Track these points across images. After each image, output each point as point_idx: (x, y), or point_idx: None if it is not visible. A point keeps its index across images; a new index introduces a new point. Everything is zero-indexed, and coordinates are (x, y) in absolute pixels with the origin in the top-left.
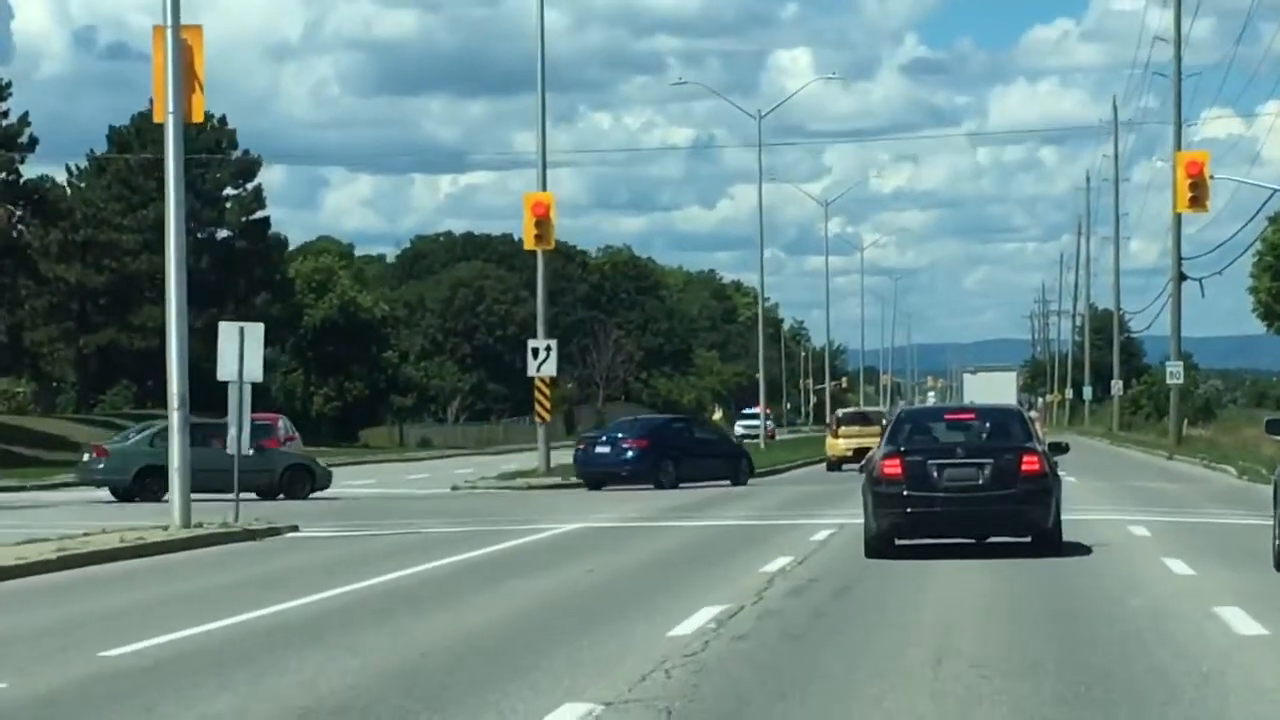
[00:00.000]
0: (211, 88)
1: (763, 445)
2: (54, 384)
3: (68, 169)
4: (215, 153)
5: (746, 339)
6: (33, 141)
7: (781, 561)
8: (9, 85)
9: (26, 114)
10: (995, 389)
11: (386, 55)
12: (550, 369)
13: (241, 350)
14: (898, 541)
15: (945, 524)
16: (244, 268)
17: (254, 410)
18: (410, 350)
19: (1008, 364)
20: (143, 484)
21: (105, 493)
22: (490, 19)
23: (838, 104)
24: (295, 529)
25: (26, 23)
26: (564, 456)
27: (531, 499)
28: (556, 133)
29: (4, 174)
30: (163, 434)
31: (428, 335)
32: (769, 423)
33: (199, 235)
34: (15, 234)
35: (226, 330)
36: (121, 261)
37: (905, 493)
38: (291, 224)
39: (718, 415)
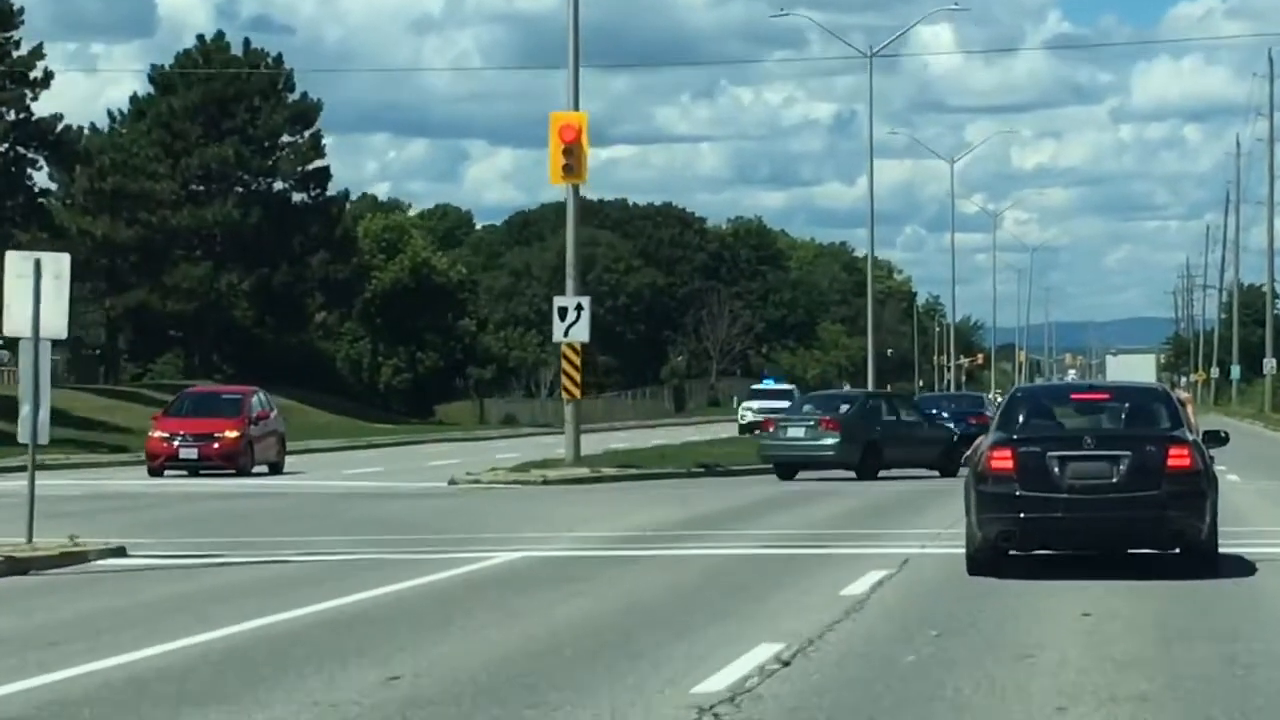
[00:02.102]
0: (355, 59)
1: None
2: (91, 350)
3: (109, 114)
4: (269, 96)
5: (879, 312)
6: (47, 76)
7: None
8: (21, 12)
9: (40, 46)
10: (1136, 374)
11: (527, 29)
12: (582, 333)
13: (38, 292)
14: (1010, 553)
15: (1069, 533)
16: (300, 223)
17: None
18: (490, 318)
19: (1147, 347)
20: None
21: None
22: None
23: (979, 79)
24: (120, 552)
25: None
26: (657, 437)
27: (529, 499)
28: (697, 107)
29: (13, 111)
30: None
31: (532, 304)
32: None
33: (249, 186)
34: (27, 179)
35: (15, 263)
36: (158, 214)
37: (1018, 493)
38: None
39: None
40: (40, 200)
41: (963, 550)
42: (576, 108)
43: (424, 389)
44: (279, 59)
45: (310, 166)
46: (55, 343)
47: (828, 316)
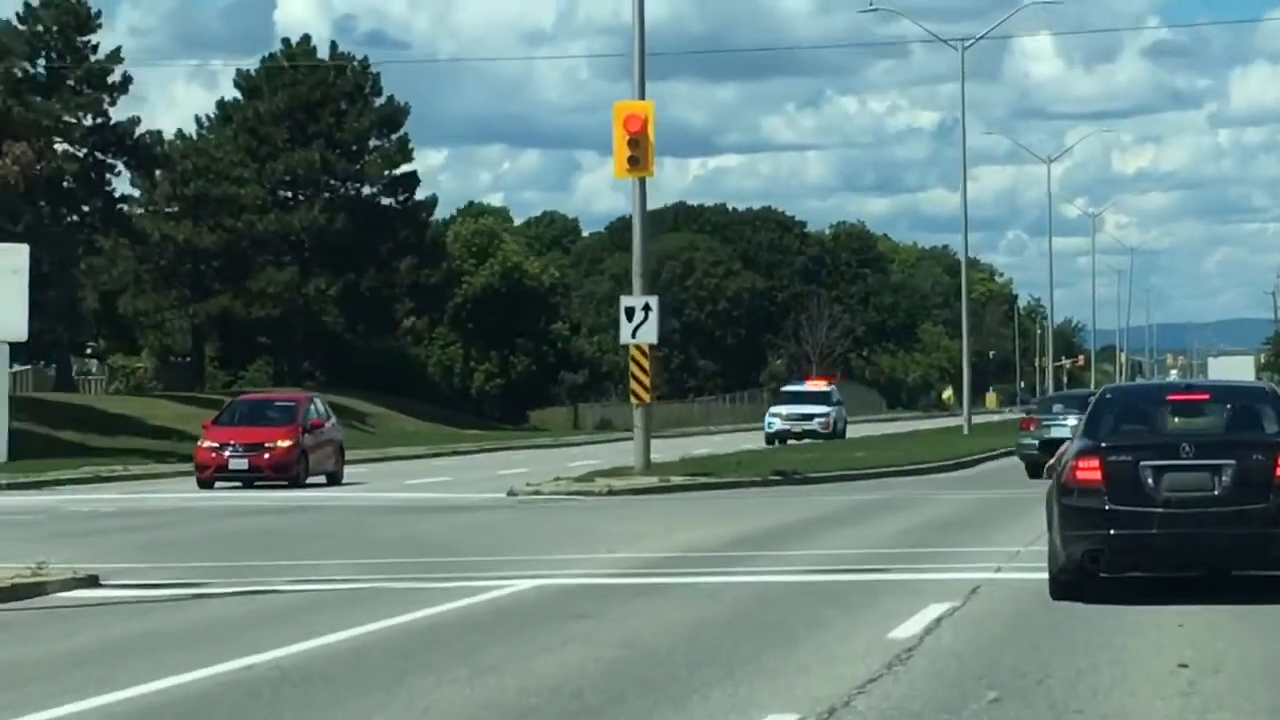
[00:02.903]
0: (469, 73)
1: (965, 429)
2: (180, 358)
3: (196, 119)
4: (356, 100)
5: (980, 315)
6: (125, 81)
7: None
8: (98, 15)
9: (118, 50)
10: (1235, 376)
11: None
12: (650, 335)
13: None
14: (1101, 575)
15: (1164, 552)
16: (388, 228)
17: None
18: (582, 322)
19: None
20: None
21: None
22: (736, 8)
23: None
24: (91, 582)
25: (288, 14)
26: (749, 441)
27: (582, 513)
28: (802, 116)
29: (91, 116)
30: None
31: None
32: (833, 410)
33: (336, 190)
34: (106, 184)
35: None
36: (243, 219)
37: (1107, 507)
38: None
39: (948, 394)
40: (120, 205)
41: (1044, 574)
42: (643, 96)
43: (517, 394)
44: (365, 62)
45: (398, 171)
46: (140, 348)
47: (929, 319)
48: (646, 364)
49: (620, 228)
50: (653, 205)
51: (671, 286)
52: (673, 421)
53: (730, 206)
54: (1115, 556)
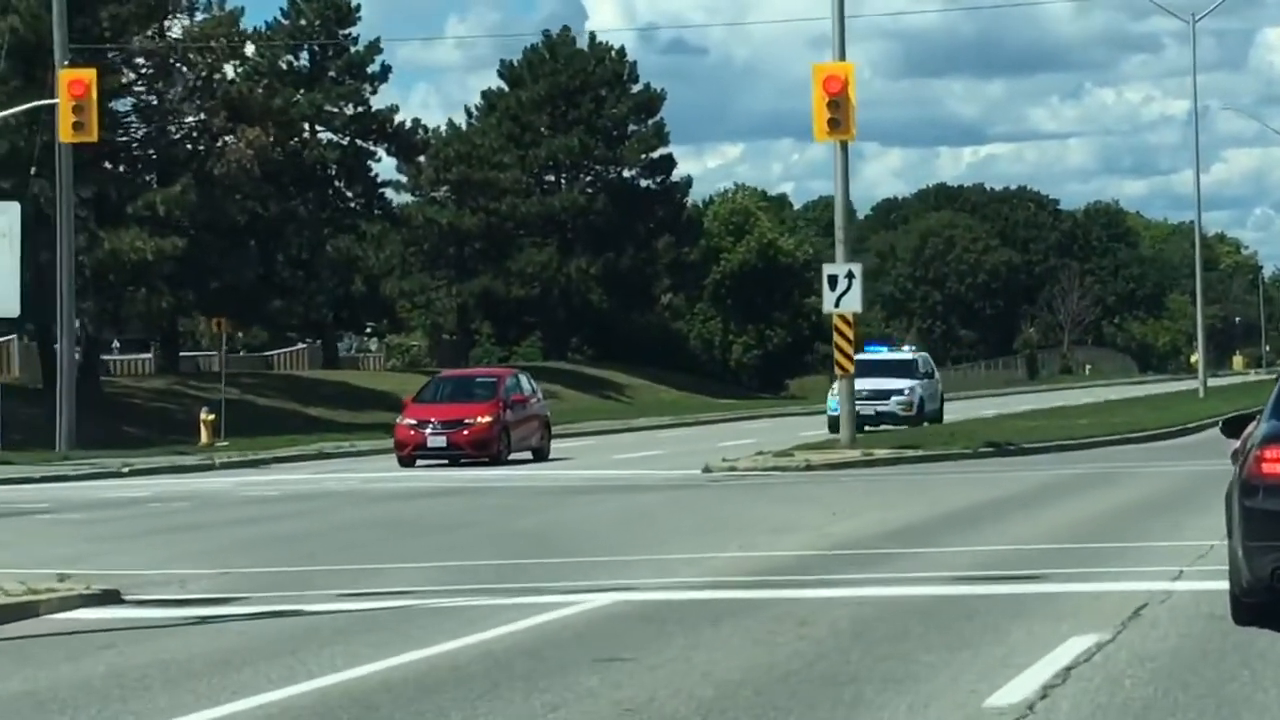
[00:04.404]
0: (760, 74)
1: (1201, 393)
2: (450, 335)
3: (465, 110)
4: (614, 87)
5: (1226, 285)
6: (384, 71)
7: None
8: (358, 8)
9: (377, 40)
10: None
11: (913, 42)
12: (853, 303)
13: None
14: None
15: None
16: (645, 209)
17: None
18: None
19: None
20: None
21: None
22: (1004, 8)
23: None
24: (109, 599)
25: (599, 24)
26: (990, 407)
27: (758, 492)
28: (1064, 107)
29: (352, 105)
30: None
31: (897, 284)
32: (918, 385)
33: (596, 174)
34: (368, 170)
35: None
36: (506, 202)
37: None
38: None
39: (1194, 357)
40: (382, 190)
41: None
42: (843, 58)
43: (774, 364)
44: (621, 51)
45: (655, 154)
46: (405, 328)
47: (1177, 289)
48: (850, 333)
49: (885, 208)
50: (916, 185)
51: (934, 261)
52: None
53: (988, 187)
54: None
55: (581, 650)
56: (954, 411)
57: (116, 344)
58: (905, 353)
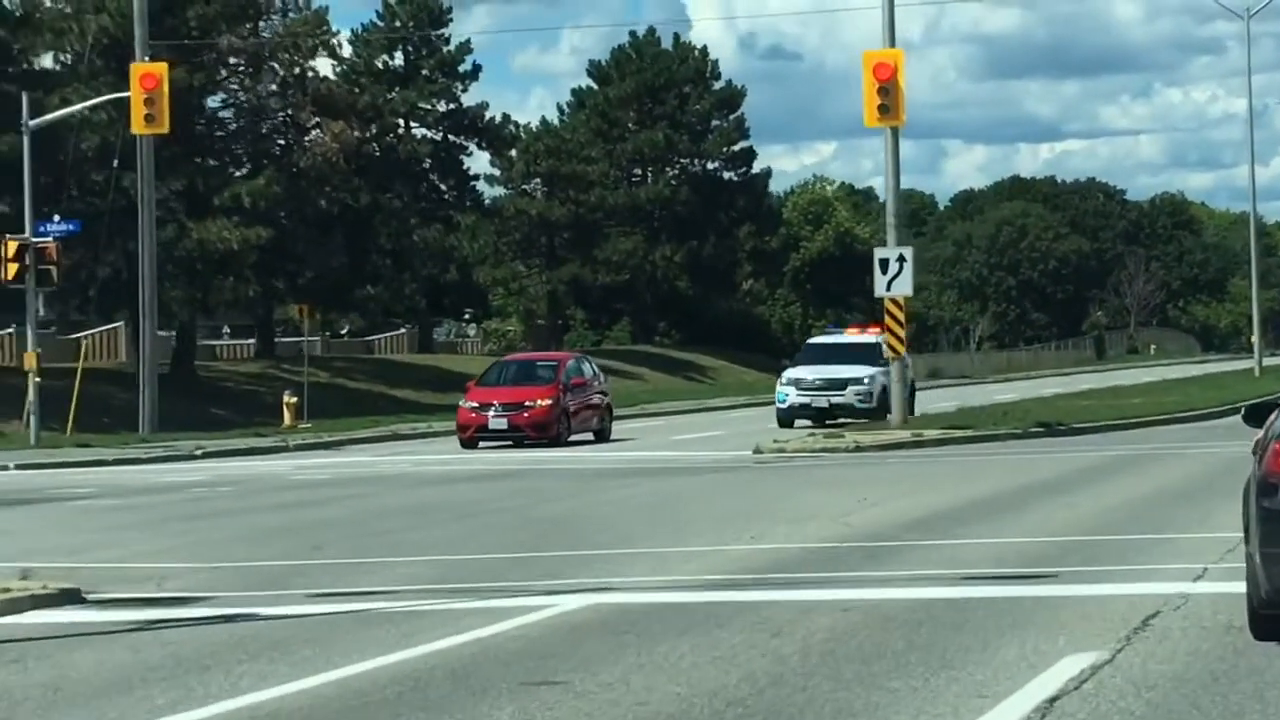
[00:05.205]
0: (852, 78)
1: (1256, 372)
2: (542, 321)
3: (558, 106)
4: (697, 84)
5: None
6: (475, 70)
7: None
8: (449, 10)
9: (468, 41)
10: None
11: (994, 46)
12: (904, 287)
13: None
14: None
15: None
16: (727, 199)
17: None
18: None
19: None
20: None
21: None
22: (1078, 13)
23: None
24: (69, 598)
25: (700, 34)
26: (1052, 386)
27: (800, 474)
28: (1134, 105)
29: (445, 102)
30: None
31: (974, 270)
32: (877, 372)
33: (680, 166)
34: (460, 165)
35: None
36: (594, 194)
37: None
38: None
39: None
40: (472, 183)
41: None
42: (893, 44)
43: None
44: (704, 50)
45: (736, 147)
46: (496, 314)
47: (1239, 274)
48: (902, 316)
49: (963, 199)
50: (992, 179)
51: (1008, 249)
52: (1000, 368)
53: (1059, 179)
54: None
55: (514, 670)
56: (1017, 390)
57: (227, 330)
58: (869, 336)
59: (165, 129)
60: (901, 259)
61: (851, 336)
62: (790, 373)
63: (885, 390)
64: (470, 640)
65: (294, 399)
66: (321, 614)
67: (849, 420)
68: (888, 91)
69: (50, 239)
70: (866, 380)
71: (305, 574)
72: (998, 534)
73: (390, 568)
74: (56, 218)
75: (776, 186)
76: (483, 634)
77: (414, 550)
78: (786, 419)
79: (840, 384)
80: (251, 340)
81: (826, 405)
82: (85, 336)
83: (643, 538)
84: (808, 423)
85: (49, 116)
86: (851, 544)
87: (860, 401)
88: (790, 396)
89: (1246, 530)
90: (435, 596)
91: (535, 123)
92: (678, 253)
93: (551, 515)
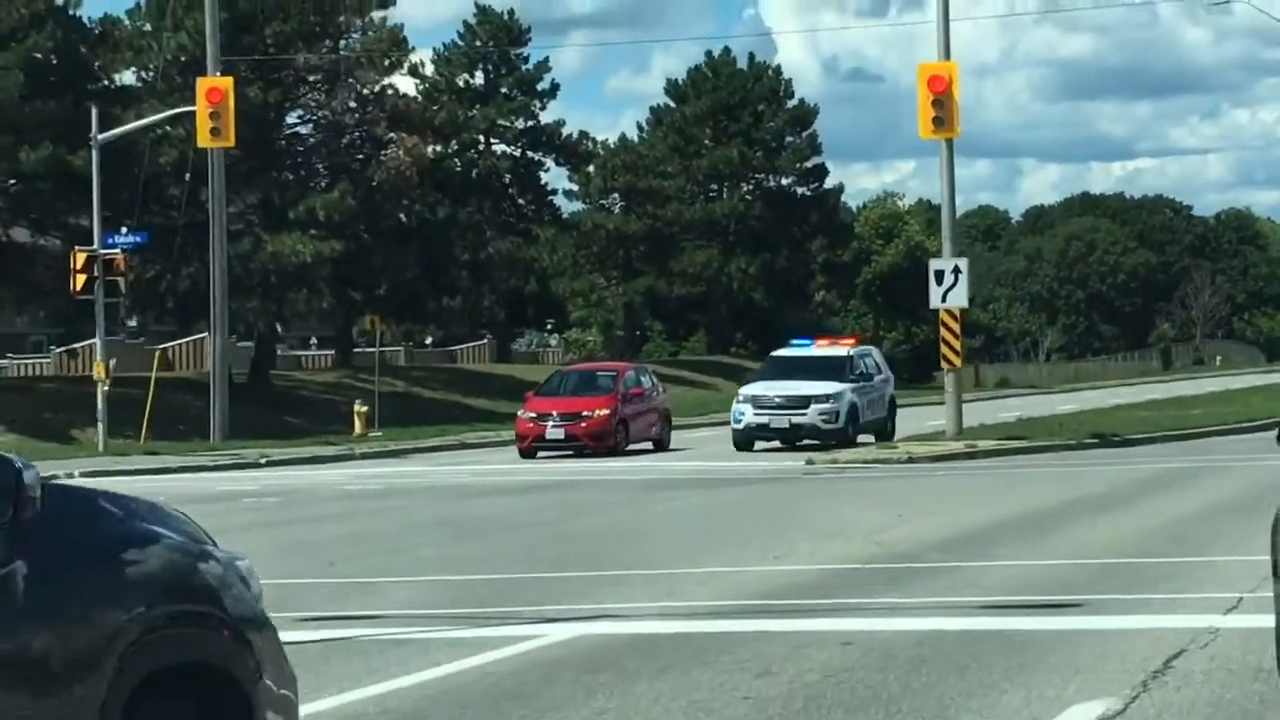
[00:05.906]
0: (911, 100)
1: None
2: (620, 331)
3: (638, 124)
4: (771, 102)
5: None
6: (554, 88)
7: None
8: (528, 31)
9: (546, 60)
10: None
11: (1068, 69)
12: (960, 298)
13: None
14: None
15: None
16: (800, 214)
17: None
18: (982, 294)
19: None
20: None
21: None
22: (1149, 37)
23: None
24: None
25: (786, 57)
26: (1117, 397)
27: (845, 486)
28: (1203, 125)
29: (523, 119)
30: None
31: (1044, 283)
32: (847, 389)
33: (754, 181)
34: (538, 180)
35: None
36: (670, 208)
37: None
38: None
39: None
40: (550, 197)
41: None
42: (947, 57)
43: (922, 357)
44: (778, 70)
45: (809, 163)
46: (573, 325)
47: None
48: (957, 328)
49: (1033, 214)
50: (1061, 195)
51: (1077, 263)
52: (1069, 378)
53: (1127, 194)
54: None
55: (468, 715)
56: (1081, 401)
57: (314, 341)
58: (839, 349)
59: (230, 142)
60: (957, 270)
61: (820, 350)
62: (747, 389)
63: (855, 409)
64: (433, 679)
65: (364, 408)
66: (297, 641)
67: (813, 442)
68: (942, 104)
69: (119, 250)
70: (832, 398)
71: (308, 594)
72: (1030, 555)
73: (391, 590)
74: (124, 229)
75: (859, 203)
76: (451, 669)
77: (425, 569)
78: (743, 441)
79: (803, 402)
80: (331, 351)
81: (787, 425)
82: (172, 346)
83: (664, 557)
84: (772, 444)
85: (116, 131)
86: (875, 565)
87: (825, 422)
88: (747, 415)
89: (1275, 566)
90: (421, 624)
91: (614, 140)
92: (752, 265)
93: (581, 531)
